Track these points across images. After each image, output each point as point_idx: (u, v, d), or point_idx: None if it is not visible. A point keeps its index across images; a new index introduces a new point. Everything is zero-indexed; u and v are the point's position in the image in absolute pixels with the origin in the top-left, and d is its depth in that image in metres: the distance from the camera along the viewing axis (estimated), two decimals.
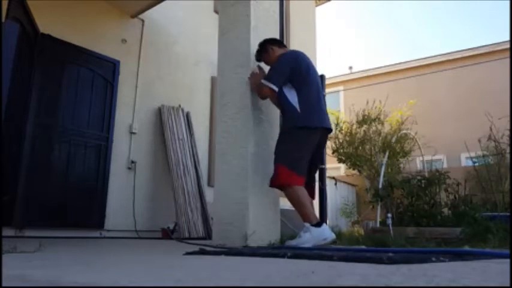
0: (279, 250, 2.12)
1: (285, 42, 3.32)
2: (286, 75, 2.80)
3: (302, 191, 2.65)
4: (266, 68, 3.05)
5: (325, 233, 2.52)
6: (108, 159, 4.96)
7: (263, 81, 2.79)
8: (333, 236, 2.55)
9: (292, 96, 2.78)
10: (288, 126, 2.82)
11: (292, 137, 2.76)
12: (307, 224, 2.55)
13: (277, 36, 3.31)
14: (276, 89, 2.76)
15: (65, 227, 4.50)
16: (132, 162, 5.22)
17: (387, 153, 5.76)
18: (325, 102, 3.05)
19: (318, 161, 3.00)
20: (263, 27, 3.19)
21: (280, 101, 2.87)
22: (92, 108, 4.92)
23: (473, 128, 6.85)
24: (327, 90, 5.04)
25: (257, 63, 3.07)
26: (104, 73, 5.11)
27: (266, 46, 2.99)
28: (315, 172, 3.00)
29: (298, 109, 2.75)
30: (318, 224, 2.55)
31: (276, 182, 2.70)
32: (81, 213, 4.65)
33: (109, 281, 1.01)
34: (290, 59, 2.87)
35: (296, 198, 2.62)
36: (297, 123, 2.74)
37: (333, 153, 6.85)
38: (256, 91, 2.91)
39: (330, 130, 2.95)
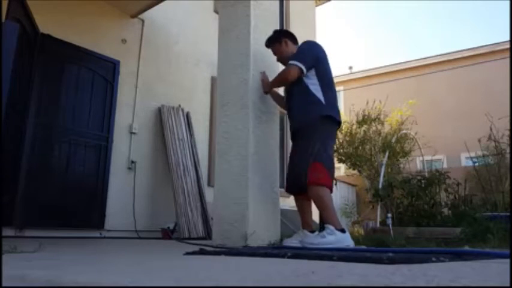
0: (279, 250, 2.12)
1: None
2: (312, 61, 2.72)
3: (329, 193, 2.60)
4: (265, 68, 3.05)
5: (348, 240, 2.50)
6: (108, 159, 4.95)
7: (291, 61, 2.69)
8: (353, 243, 2.52)
9: (315, 87, 2.71)
10: (312, 117, 2.68)
11: (320, 133, 2.65)
12: (331, 227, 2.50)
13: None
14: (304, 69, 2.67)
15: (65, 227, 4.50)
16: (132, 162, 5.22)
17: (387, 153, 5.75)
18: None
19: None
20: (263, 27, 3.18)
21: (300, 91, 2.75)
22: (92, 108, 4.92)
23: (473, 128, 6.84)
24: None
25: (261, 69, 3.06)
26: (104, 73, 5.11)
27: (281, 38, 2.95)
28: None
29: (323, 100, 2.68)
30: (342, 230, 2.53)
31: (319, 181, 2.55)
32: (81, 213, 4.65)
33: (109, 281, 1.01)
34: (316, 46, 2.83)
35: (327, 200, 2.56)
36: (322, 111, 2.66)
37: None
38: (282, 75, 2.81)
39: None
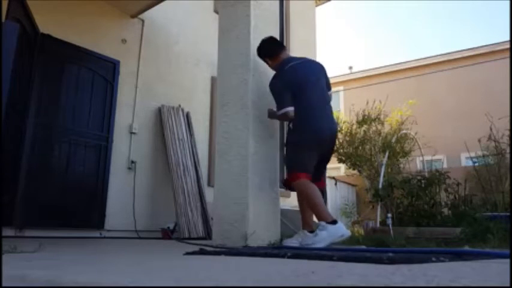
0: (279, 250, 2.12)
1: (285, 43, 3.33)
2: (288, 95, 2.87)
3: (307, 184, 2.77)
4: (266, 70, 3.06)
5: (341, 230, 2.56)
6: (108, 159, 4.95)
7: (281, 111, 2.89)
8: (349, 232, 2.61)
9: (298, 104, 2.88)
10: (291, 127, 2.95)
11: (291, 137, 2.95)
12: (322, 222, 2.58)
13: (277, 36, 3.31)
14: (292, 109, 2.84)
15: (65, 227, 4.49)
16: (132, 162, 5.22)
17: (387, 153, 5.75)
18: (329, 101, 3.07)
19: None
20: (263, 27, 3.18)
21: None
22: (92, 108, 4.92)
23: (473, 128, 6.84)
24: None
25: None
26: (104, 73, 5.11)
27: (262, 57, 3.07)
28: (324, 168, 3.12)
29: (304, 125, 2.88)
30: (334, 222, 2.58)
31: (290, 179, 2.86)
32: (81, 213, 4.65)
33: (109, 281, 1.01)
34: (278, 84, 2.93)
35: (309, 194, 2.73)
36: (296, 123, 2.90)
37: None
38: (283, 119, 3.07)
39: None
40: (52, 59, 4.61)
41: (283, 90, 2.90)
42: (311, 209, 2.79)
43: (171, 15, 6.00)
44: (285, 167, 3.14)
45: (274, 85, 2.94)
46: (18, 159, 4.15)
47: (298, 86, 2.89)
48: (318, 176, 2.95)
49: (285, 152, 3.08)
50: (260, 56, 3.07)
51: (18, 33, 3.23)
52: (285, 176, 2.99)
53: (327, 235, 2.51)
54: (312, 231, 2.80)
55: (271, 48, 3.04)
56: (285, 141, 3.09)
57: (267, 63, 3.08)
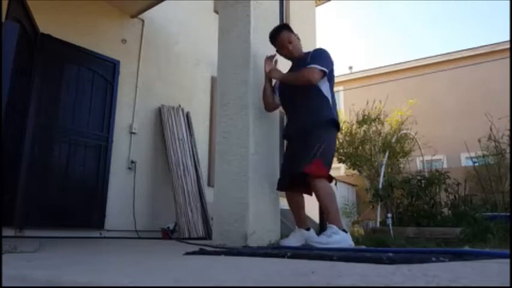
0: (279, 250, 2.12)
1: None
2: (330, 70, 2.82)
3: (330, 186, 2.71)
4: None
5: (350, 240, 2.55)
6: (108, 159, 4.95)
7: (318, 66, 2.71)
8: (353, 244, 2.58)
9: (326, 88, 2.80)
10: (323, 119, 2.76)
11: (328, 134, 2.77)
12: (335, 226, 2.54)
13: None
14: (326, 76, 2.78)
15: (65, 227, 4.50)
16: (132, 162, 5.22)
17: (387, 153, 5.75)
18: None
19: None
20: (263, 27, 3.18)
21: (310, 92, 2.78)
22: (92, 108, 4.92)
23: (473, 128, 6.85)
24: None
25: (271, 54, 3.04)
26: (104, 73, 5.11)
27: (292, 36, 2.94)
28: None
29: (331, 103, 2.80)
30: (344, 231, 2.57)
31: (319, 172, 2.64)
32: (81, 213, 4.65)
33: (109, 281, 1.01)
34: (331, 57, 2.88)
35: (333, 195, 2.67)
36: (332, 114, 2.78)
37: None
38: (304, 76, 2.74)
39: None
40: (52, 59, 4.61)
41: (331, 61, 2.82)
42: (330, 211, 2.61)
43: (171, 15, 6.00)
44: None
45: (329, 55, 2.84)
46: (18, 159, 4.15)
47: (332, 72, 2.86)
48: None
49: (315, 140, 2.69)
50: (290, 29, 2.96)
51: (18, 33, 3.23)
52: (306, 169, 2.63)
53: (340, 240, 2.47)
54: (308, 229, 2.81)
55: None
56: (312, 125, 2.75)
57: (288, 48, 2.93)
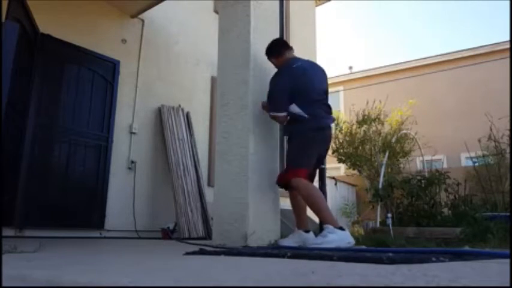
0: (279, 250, 2.12)
1: None
2: (287, 97, 2.85)
3: (305, 183, 2.76)
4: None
5: (348, 237, 2.56)
6: (108, 159, 4.95)
7: (275, 113, 2.92)
8: (354, 241, 2.59)
9: (293, 107, 2.85)
10: (292, 127, 2.94)
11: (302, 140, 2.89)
12: (330, 226, 2.56)
13: (277, 36, 3.31)
14: (285, 114, 2.88)
15: (65, 227, 4.49)
16: (132, 162, 5.22)
17: (387, 153, 5.75)
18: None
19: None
20: (263, 27, 3.18)
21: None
22: (92, 108, 4.92)
23: (473, 128, 6.85)
24: None
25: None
26: (104, 73, 5.11)
27: (269, 58, 3.08)
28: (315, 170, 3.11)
29: (302, 114, 2.83)
30: (341, 228, 2.58)
31: (288, 177, 2.81)
32: (81, 213, 4.65)
33: (109, 281, 1.01)
34: (286, 79, 2.91)
35: (315, 197, 2.73)
36: (310, 126, 2.85)
37: (333, 153, 6.85)
38: (272, 118, 3.02)
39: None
40: (52, 59, 4.61)
41: (287, 88, 2.86)
42: (316, 212, 2.73)
43: (171, 15, 6.00)
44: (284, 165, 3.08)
45: (279, 80, 2.90)
46: (18, 159, 4.15)
47: (305, 85, 2.87)
48: (312, 178, 2.95)
49: (286, 145, 3.02)
50: (268, 54, 3.07)
51: (18, 33, 3.23)
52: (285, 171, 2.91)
53: (337, 238, 2.48)
54: (307, 231, 2.81)
55: (278, 47, 3.05)
56: (285, 133, 3.08)
57: (273, 63, 3.09)
